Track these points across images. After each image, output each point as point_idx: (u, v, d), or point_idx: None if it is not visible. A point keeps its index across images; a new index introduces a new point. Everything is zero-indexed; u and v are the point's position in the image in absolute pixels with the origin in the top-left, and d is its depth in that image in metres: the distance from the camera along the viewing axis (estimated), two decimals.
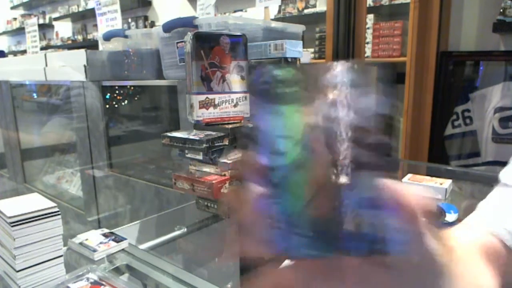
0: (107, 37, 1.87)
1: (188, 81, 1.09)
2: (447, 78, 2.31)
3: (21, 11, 8.10)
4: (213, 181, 1.02)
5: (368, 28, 3.01)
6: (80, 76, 1.78)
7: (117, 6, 2.06)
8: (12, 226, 0.74)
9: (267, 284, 0.32)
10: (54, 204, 0.79)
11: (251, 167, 0.29)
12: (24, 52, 7.20)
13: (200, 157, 1.08)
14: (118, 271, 0.89)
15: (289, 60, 1.19)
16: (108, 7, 2.10)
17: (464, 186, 1.47)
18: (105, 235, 0.99)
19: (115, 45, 1.85)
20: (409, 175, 1.36)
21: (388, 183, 0.29)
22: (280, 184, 0.28)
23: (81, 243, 0.94)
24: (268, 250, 0.29)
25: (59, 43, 7.20)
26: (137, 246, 0.98)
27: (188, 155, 1.11)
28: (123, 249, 0.95)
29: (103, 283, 0.77)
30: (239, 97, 1.13)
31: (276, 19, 3.49)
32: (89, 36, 6.67)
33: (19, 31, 7.73)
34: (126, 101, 1.95)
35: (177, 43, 1.47)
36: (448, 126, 2.30)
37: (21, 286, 0.77)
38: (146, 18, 5.55)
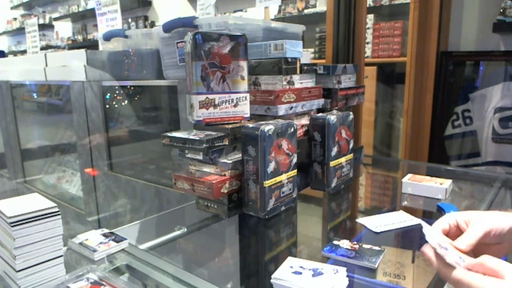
0: (107, 37, 1.87)
1: (188, 81, 1.09)
2: (447, 78, 2.31)
3: (21, 11, 8.10)
4: (213, 181, 1.02)
5: (368, 28, 3.01)
6: (80, 76, 1.78)
7: (117, 6, 2.06)
8: (12, 226, 0.74)
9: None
10: (54, 204, 0.79)
11: None
12: (24, 52, 7.21)
13: (200, 157, 1.08)
14: (118, 271, 0.89)
15: (289, 60, 1.19)
16: (108, 7, 2.10)
17: (464, 186, 1.47)
18: (105, 235, 0.99)
19: (115, 45, 1.85)
20: (409, 175, 1.36)
21: None
22: None
23: (81, 243, 0.94)
24: None
25: (59, 43, 7.20)
26: (137, 246, 0.98)
27: (188, 155, 1.11)
28: (123, 249, 0.95)
29: (103, 283, 0.77)
30: (239, 97, 1.13)
31: (276, 19, 3.49)
32: (89, 36, 6.67)
33: (19, 31, 7.73)
34: (126, 101, 1.95)
35: (177, 43, 1.48)
36: (448, 126, 2.30)
37: (21, 286, 0.77)
38: (146, 18, 5.55)
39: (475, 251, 0.61)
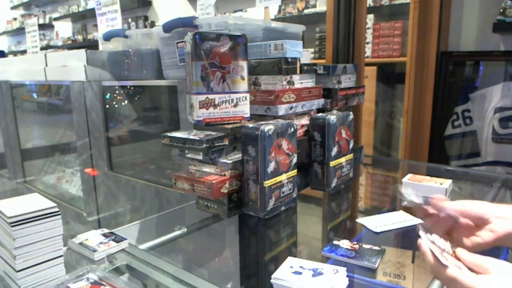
0: (107, 37, 1.87)
1: (188, 81, 1.09)
2: (447, 78, 2.31)
3: (21, 11, 8.10)
4: (213, 181, 1.02)
5: (368, 28, 3.01)
6: (80, 76, 1.78)
7: (117, 6, 2.06)
8: (12, 226, 0.74)
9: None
10: (54, 204, 0.79)
11: None
12: (24, 52, 7.21)
13: (200, 157, 1.08)
14: (118, 271, 0.89)
15: (289, 60, 1.19)
16: (108, 7, 2.10)
17: (464, 186, 1.47)
18: (105, 235, 0.99)
19: (115, 45, 1.85)
20: (409, 175, 1.36)
21: None
22: None
23: (81, 243, 0.95)
24: None
25: (59, 43, 7.20)
26: (137, 246, 0.98)
27: (188, 155, 1.11)
28: (123, 249, 0.95)
29: (103, 283, 0.77)
30: (239, 97, 1.13)
31: (276, 19, 3.49)
32: (89, 36, 6.67)
33: (19, 31, 7.73)
34: (126, 101, 1.95)
35: (177, 43, 1.47)
36: (448, 126, 2.30)
37: (21, 286, 0.77)
38: (146, 18, 5.55)
39: (458, 237, 0.67)
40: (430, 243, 0.59)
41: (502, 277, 0.53)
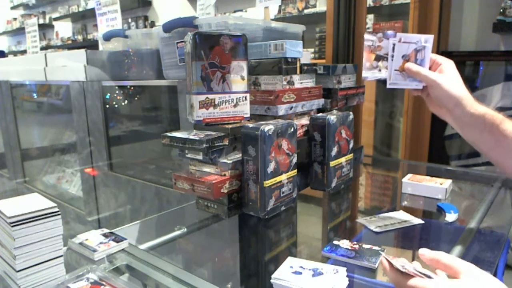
0: (107, 37, 1.87)
1: (188, 81, 1.09)
2: None
3: (21, 11, 8.11)
4: (213, 181, 1.02)
5: (368, 28, 3.01)
6: (80, 76, 1.78)
7: (117, 6, 2.06)
8: (12, 226, 0.74)
9: None
10: (54, 204, 0.79)
11: None
12: (24, 52, 7.21)
13: (200, 157, 1.08)
14: (118, 271, 0.89)
15: (289, 60, 1.19)
16: (108, 7, 2.10)
17: (464, 186, 1.47)
18: (105, 235, 0.99)
19: (115, 45, 1.85)
20: (409, 175, 1.36)
21: None
22: None
23: (81, 243, 0.95)
24: None
25: (59, 43, 7.20)
26: (137, 246, 0.98)
27: (188, 155, 1.11)
28: (123, 249, 0.95)
29: (103, 283, 0.77)
30: (239, 97, 1.13)
31: (276, 19, 3.49)
32: (89, 36, 6.68)
33: (19, 31, 7.74)
34: (126, 101, 1.95)
35: (177, 43, 1.48)
36: (448, 126, 2.30)
37: (21, 286, 0.77)
38: (146, 18, 5.55)
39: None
40: (391, 258, 0.59)
41: (465, 281, 0.53)
